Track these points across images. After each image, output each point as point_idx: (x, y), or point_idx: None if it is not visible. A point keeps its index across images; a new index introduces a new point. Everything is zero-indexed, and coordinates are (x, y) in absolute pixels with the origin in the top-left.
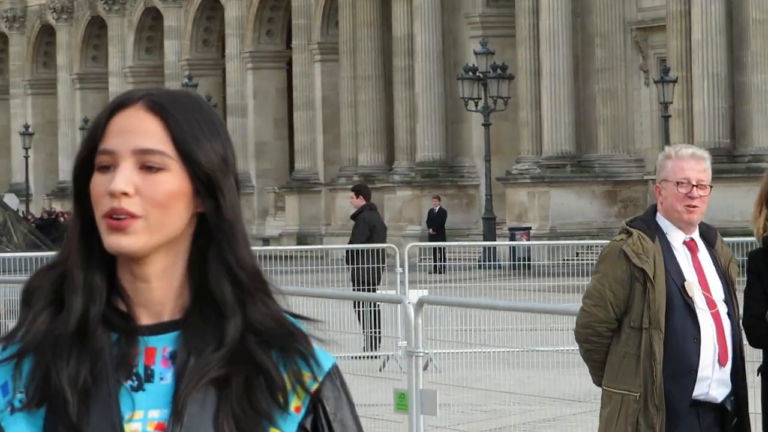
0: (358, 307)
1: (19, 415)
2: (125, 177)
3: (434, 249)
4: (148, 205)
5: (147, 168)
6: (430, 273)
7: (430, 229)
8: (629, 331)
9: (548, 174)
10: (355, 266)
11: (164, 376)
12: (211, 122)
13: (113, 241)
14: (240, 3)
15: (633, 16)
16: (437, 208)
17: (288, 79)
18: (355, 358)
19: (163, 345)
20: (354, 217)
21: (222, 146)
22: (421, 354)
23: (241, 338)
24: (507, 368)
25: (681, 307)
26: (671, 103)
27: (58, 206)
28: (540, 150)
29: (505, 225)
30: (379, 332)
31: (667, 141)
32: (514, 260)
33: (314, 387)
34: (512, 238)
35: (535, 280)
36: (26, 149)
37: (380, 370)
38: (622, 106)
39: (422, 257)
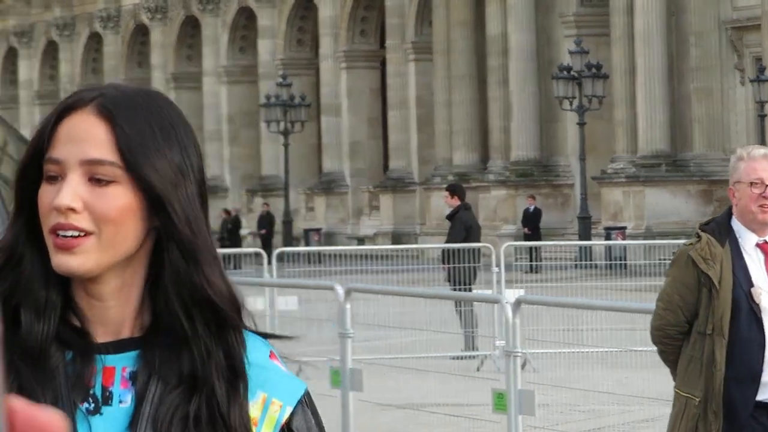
0: (459, 306)
1: None
2: (72, 191)
3: (530, 248)
4: (99, 221)
5: (96, 180)
6: (525, 272)
7: (525, 229)
8: (696, 336)
9: (643, 173)
10: (452, 266)
11: (123, 398)
12: (169, 125)
13: (61, 262)
14: (334, 2)
15: (728, 15)
16: (532, 207)
17: (382, 79)
18: (454, 358)
19: (122, 364)
20: (450, 217)
21: (179, 153)
22: (519, 354)
23: (203, 369)
24: (605, 368)
25: (747, 313)
26: (767, 102)
27: None
28: (635, 149)
29: (601, 224)
30: (475, 332)
31: (762, 140)
32: (609, 260)
33: (285, 418)
34: (608, 237)
35: (631, 280)
36: None
37: (477, 370)
38: (717, 105)
39: (518, 257)
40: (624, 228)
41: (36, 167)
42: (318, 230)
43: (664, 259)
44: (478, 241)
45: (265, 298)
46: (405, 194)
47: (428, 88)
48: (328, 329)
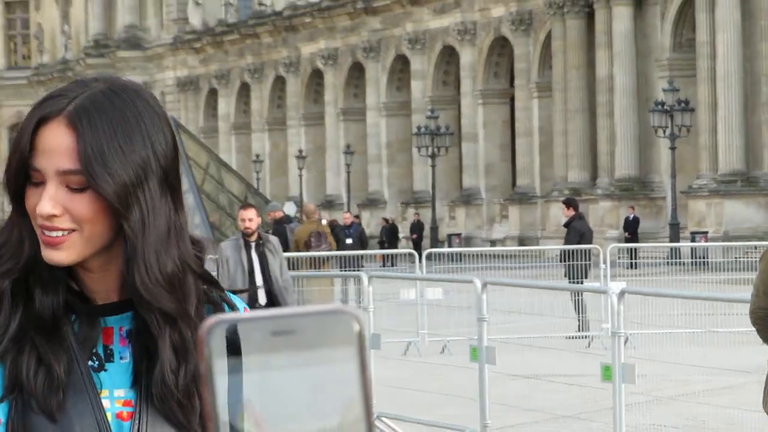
0: (574, 296)
1: None
2: (51, 199)
3: (630, 249)
4: (79, 221)
5: (74, 185)
6: (626, 269)
7: (626, 233)
8: None
9: (722, 188)
10: (568, 263)
11: (123, 355)
12: (134, 120)
13: (49, 255)
14: (473, 51)
15: None
16: (632, 216)
17: (511, 112)
18: (568, 338)
19: (119, 324)
20: (566, 225)
21: (142, 146)
22: (622, 334)
23: (185, 338)
24: (691, 346)
25: None
26: None
27: (326, 215)
28: (716, 168)
29: (687, 229)
30: (586, 317)
31: None
32: (694, 258)
33: None
34: (693, 240)
35: (711, 275)
36: (300, 169)
37: (588, 347)
38: None
39: (620, 256)
40: (706, 232)
41: (22, 170)
42: (459, 235)
43: (739, 258)
44: (590, 244)
45: (416, 290)
46: (529, 206)
47: (548, 119)
48: (468, 315)
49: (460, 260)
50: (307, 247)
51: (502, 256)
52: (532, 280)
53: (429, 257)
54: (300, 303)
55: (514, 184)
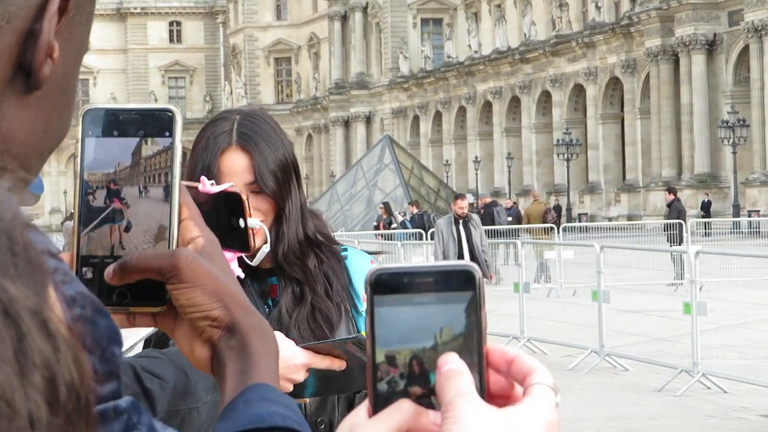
0: (672, 255)
1: None
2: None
3: (705, 223)
4: (264, 214)
5: (255, 192)
6: (702, 236)
7: (702, 212)
8: None
9: None
10: (669, 233)
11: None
12: (276, 136)
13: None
14: (595, 86)
15: None
16: (706, 200)
17: (621, 129)
18: (668, 285)
19: (275, 283)
20: (669, 205)
21: (283, 153)
22: (697, 282)
23: (304, 291)
24: (747, 289)
25: None
26: None
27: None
28: (765, 166)
29: (745, 209)
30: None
31: None
32: (750, 229)
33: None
34: (749, 216)
35: (762, 240)
36: (476, 170)
37: (675, 291)
38: None
39: (698, 228)
40: (758, 211)
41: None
42: (585, 214)
43: None
44: (685, 219)
45: (557, 251)
46: (634, 193)
47: (648, 134)
48: (591, 269)
49: (587, 231)
50: (544, 220)
51: (616, 228)
52: (635, 245)
53: (564, 230)
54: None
55: (624, 178)
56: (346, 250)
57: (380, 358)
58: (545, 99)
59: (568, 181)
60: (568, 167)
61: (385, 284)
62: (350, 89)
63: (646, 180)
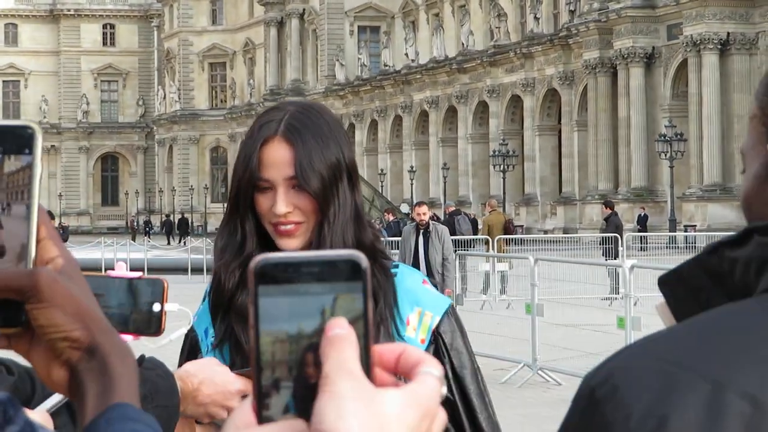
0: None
1: (215, 351)
2: (284, 200)
3: (641, 237)
4: (305, 213)
5: (298, 186)
6: (638, 251)
7: (639, 226)
8: None
9: (706, 194)
10: (605, 247)
11: None
12: (328, 132)
13: (285, 244)
14: (532, 98)
15: None
16: (643, 213)
17: (558, 141)
18: (603, 299)
19: None
20: (606, 219)
21: (337, 152)
22: (632, 296)
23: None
24: None
25: None
26: None
27: (430, 211)
28: (702, 180)
29: (682, 224)
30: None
31: None
32: (686, 243)
33: (435, 324)
34: (685, 231)
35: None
36: (411, 180)
37: (609, 305)
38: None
39: (633, 242)
40: (695, 226)
41: (252, 181)
42: (521, 226)
43: None
44: (622, 233)
45: (491, 263)
46: (571, 206)
47: (585, 146)
48: (525, 281)
49: (522, 244)
50: (506, 230)
51: (551, 241)
52: (572, 257)
53: (498, 241)
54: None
55: (560, 190)
56: (397, 266)
57: (265, 349)
58: (482, 109)
59: (504, 193)
60: (504, 178)
61: (270, 274)
62: (285, 96)
63: (582, 193)
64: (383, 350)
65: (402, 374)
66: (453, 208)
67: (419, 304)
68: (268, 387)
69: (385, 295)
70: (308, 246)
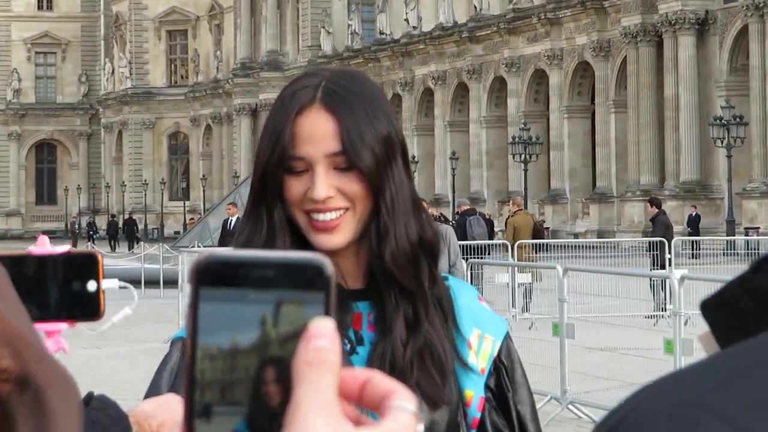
0: (653, 281)
1: None
2: (324, 182)
3: (692, 242)
4: (352, 198)
5: (341, 168)
6: (689, 258)
7: (689, 229)
8: None
9: None
10: (650, 254)
11: (372, 340)
12: (376, 101)
13: (323, 241)
14: (560, 72)
15: None
16: (694, 213)
17: (592, 125)
18: (648, 317)
19: (368, 311)
20: (652, 220)
21: (387, 124)
22: (682, 314)
23: (418, 314)
24: None
25: None
26: None
27: (434, 211)
28: (766, 173)
29: (741, 225)
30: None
31: None
32: (747, 249)
33: (497, 350)
34: (746, 234)
35: None
36: (413, 173)
37: (654, 325)
38: None
39: (684, 248)
40: (758, 228)
41: (283, 161)
42: (547, 228)
43: None
44: (671, 236)
45: (508, 274)
46: (607, 204)
47: (623, 131)
48: (552, 296)
49: (548, 250)
50: (536, 234)
51: (584, 246)
52: (607, 267)
53: (519, 247)
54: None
55: (594, 186)
56: (447, 278)
57: (203, 367)
58: (499, 87)
59: (526, 189)
60: (525, 171)
61: (217, 275)
62: (260, 71)
63: (621, 188)
64: (344, 376)
65: (368, 407)
66: (467, 207)
67: (478, 325)
68: (202, 412)
69: (450, 307)
70: (355, 244)
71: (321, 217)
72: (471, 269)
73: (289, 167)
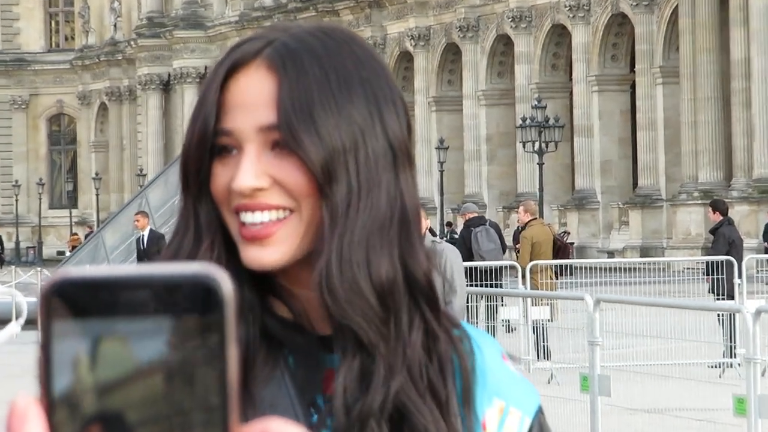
0: (721, 316)
1: None
2: (252, 166)
3: None
4: (296, 194)
5: (280, 148)
6: (766, 284)
7: (766, 243)
8: None
9: None
10: (714, 277)
11: None
12: (352, 68)
13: (252, 256)
14: (586, 29)
15: None
16: None
17: (632, 101)
18: (712, 366)
19: (332, 366)
20: (713, 231)
21: (364, 103)
22: (759, 361)
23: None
24: None
25: None
26: None
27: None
28: None
29: None
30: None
31: None
32: None
33: (525, 430)
34: None
35: None
36: None
37: (720, 377)
38: None
39: (759, 269)
40: None
41: (206, 138)
42: (570, 244)
43: None
44: (741, 254)
45: (519, 307)
46: (653, 210)
47: (675, 109)
48: (578, 337)
49: (571, 274)
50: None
51: (621, 269)
52: (655, 297)
53: (533, 270)
54: None
55: (635, 185)
56: (459, 327)
57: (61, 420)
58: (503, 49)
59: (541, 189)
60: (540, 165)
61: (72, 302)
62: (173, 29)
63: (672, 188)
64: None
65: None
66: (474, 215)
67: (501, 395)
68: None
69: (456, 373)
70: (301, 262)
71: (249, 218)
72: (485, 301)
73: (215, 146)
